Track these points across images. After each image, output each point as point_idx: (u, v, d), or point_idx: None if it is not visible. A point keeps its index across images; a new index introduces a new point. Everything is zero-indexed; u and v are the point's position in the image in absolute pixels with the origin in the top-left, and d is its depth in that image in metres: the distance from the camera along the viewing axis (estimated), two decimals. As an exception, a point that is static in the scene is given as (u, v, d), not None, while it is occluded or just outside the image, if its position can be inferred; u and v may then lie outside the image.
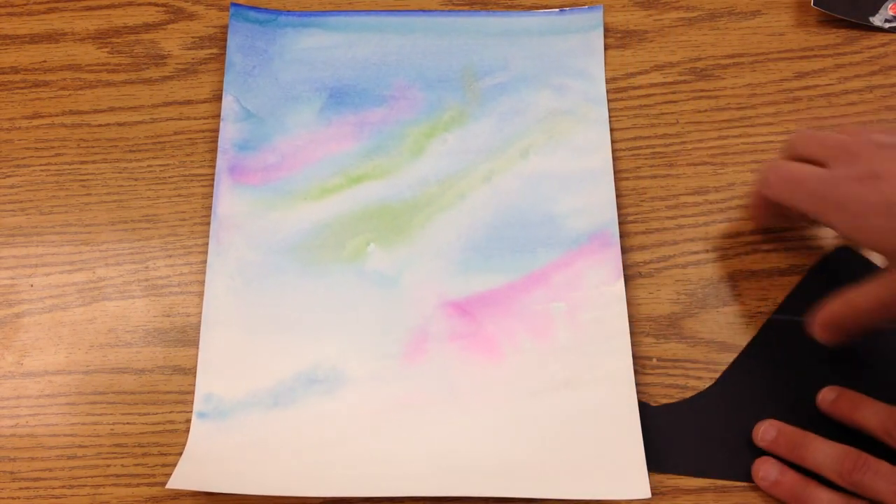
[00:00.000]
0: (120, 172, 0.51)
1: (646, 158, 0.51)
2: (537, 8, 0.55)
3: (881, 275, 0.40)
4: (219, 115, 0.52)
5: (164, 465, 0.44)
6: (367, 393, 0.45)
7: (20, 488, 0.44)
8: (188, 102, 0.53)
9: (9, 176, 0.51)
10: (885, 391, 0.42)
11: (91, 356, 0.47)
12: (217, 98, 0.53)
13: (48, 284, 0.49)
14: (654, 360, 0.46)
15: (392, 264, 0.48)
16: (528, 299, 0.47)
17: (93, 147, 0.52)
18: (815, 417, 0.43)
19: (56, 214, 0.50)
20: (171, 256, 0.49)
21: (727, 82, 0.52)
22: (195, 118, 0.52)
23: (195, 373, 0.46)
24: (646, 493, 0.41)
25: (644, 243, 0.49)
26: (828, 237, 0.48)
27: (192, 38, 0.55)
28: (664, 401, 0.45)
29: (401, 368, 0.46)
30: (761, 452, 0.43)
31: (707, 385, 0.45)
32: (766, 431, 0.43)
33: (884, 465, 0.40)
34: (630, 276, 0.48)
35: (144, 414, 0.46)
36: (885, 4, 0.53)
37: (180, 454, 0.44)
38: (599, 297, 0.47)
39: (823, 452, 0.41)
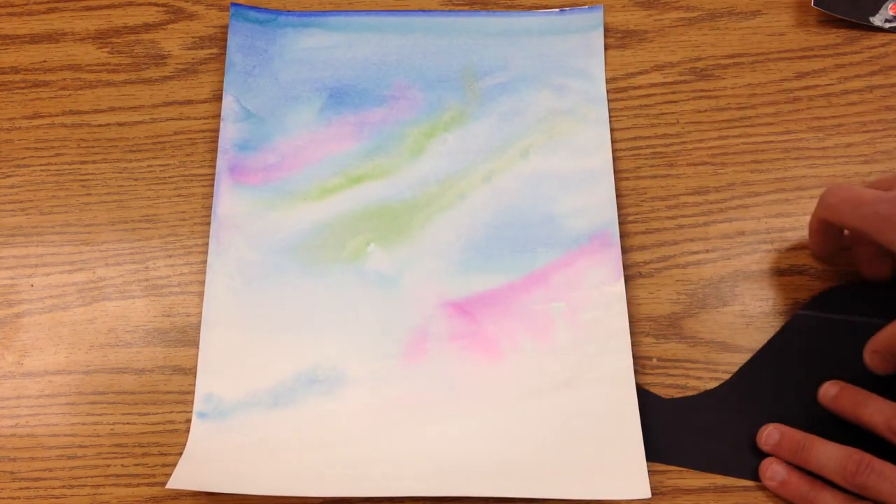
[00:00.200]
0: (120, 172, 0.51)
1: (646, 158, 0.51)
2: (537, 8, 0.55)
3: None
4: (219, 115, 0.52)
5: (164, 465, 0.44)
6: (367, 393, 0.45)
7: (20, 488, 0.44)
8: (188, 102, 0.53)
9: (9, 176, 0.51)
10: None
11: (91, 356, 0.47)
12: (217, 98, 0.53)
13: (48, 284, 0.49)
14: (654, 360, 0.46)
15: (392, 264, 0.48)
16: (528, 299, 0.47)
17: (93, 147, 0.52)
18: (833, 417, 0.43)
19: (56, 214, 0.50)
20: (171, 256, 0.49)
21: (727, 82, 0.52)
22: (195, 118, 0.52)
23: (195, 373, 0.46)
24: (646, 493, 0.41)
25: (644, 243, 0.49)
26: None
27: (192, 38, 0.55)
28: (664, 401, 0.45)
29: (401, 368, 0.46)
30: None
31: (707, 385, 0.45)
32: (770, 435, 0.43)
33: (888, 467, 0.39)
34: (630, 276, 0.48)
35: (144, 414, 0.46)
36: (885, 4, 0.53)
37: (180, 454, 0.44)
38: (599, 297, 0.47)
39: (826, 455, 0.41)
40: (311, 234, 0.49)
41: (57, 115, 0.53)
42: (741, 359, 0.46)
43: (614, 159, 0.50)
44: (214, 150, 0.51)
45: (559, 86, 0.52)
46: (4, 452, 0.45)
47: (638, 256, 0.49)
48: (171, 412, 0.46)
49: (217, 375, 0.46)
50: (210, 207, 0.50)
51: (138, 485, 0.44)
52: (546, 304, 0.47)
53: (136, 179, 0.51)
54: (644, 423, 0.43)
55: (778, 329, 0.46)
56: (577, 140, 0.51)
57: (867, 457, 0.40)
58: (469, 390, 0.45)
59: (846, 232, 0.45)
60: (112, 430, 0.45)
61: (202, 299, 0.47)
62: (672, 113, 0.52)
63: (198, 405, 0.45)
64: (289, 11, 0.55)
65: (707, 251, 0.49)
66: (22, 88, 0.53)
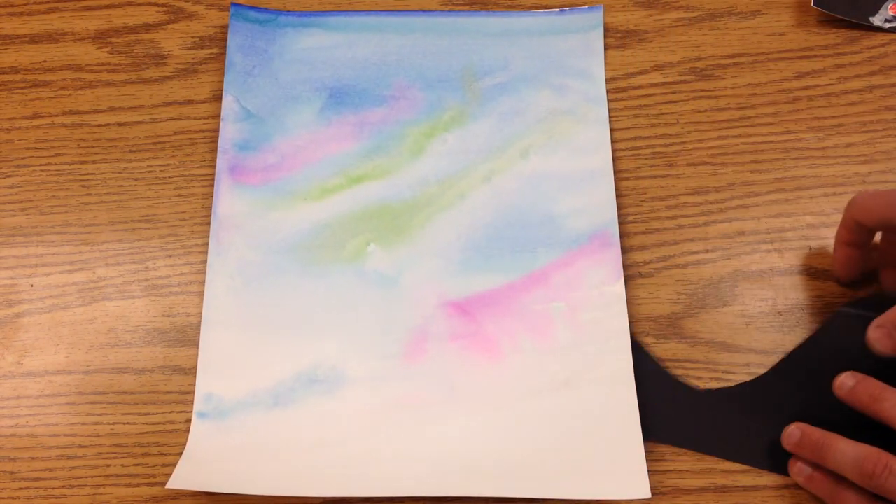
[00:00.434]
0: (120, 172, 0.51)
1: (646, 158, 0.51)
2: (537, 8, 0.55)
3: None
4: (219, 115, 0.52)
5: (164, 465, 0.44)
6: (367, 393, 0.45)
7: (20, 488, 0.44)
8: (188, 102, 0.53)
9: (9, 176, 0.51)
10: None
11: (91, 356, 0.47)
12: (217, 98, 0.53)
13: (48, 284, 0.49)
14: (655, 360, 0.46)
15: (392, 264, 0.48)
16: (528, 299, 0.47)
17: (93, 147, 0.52)
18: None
19: (56, 214, 0.50)
20: (171, 256, 0.49)
21: (727, 82, 0.52)
22: (195, 118, 0.52)
23: (195, 373, 0.46)
24: (646, 493, 0.41)
25: (644, 243, 0.49)
26: (829, 237, 0.48)
27: (192, 38, 0.55)
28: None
29: (401, 368, 0.46)
30: None
31: (707, 385, 0.45)
32: (791, 434, 0.42)
33: None
34: (630, 276, 0.48)
35: (144, 414, 0.46)
36: (885, 4, 0.53)
37: (180, 454, 0.44)
38: (599, 297, 0.47)
39: (844, 454, 0.40)
40: (311, 234, 0.49)
41: (57, 115, 0.53)
42: (741, 359, 0.46)
43: (614, 159, 0.50)
44: (214, 150, 0.51)
45: (559, 86, 0.52)
46: (4, 452, 0.45)
47: (638, 256, 0.49)
48: (171, 412, 0.46)
49: (217, 375, 0.46)
50: (210, 207, 0.50)
51: (138, 485, 0.44)
52: (546, 304, 0.47)
53: (136, 179, 0.51)
54: (678, 414, 0.44)
55: (812, 328, 0.46)
56: (577, 140, 0.51)
57: (885, 456, 0.38)
58: (469, 390, 0.45)
59: (875, 238, 0.44)
60: (112, 430, 0.45)
61: (202, 299, 0.47)
62: (672, 113, 0.52)
63: (198, 405, 0.45)
64: (289, 11, 0.55)
65: (707, 251, 0.49)
66: (22, 88, 0.53)
